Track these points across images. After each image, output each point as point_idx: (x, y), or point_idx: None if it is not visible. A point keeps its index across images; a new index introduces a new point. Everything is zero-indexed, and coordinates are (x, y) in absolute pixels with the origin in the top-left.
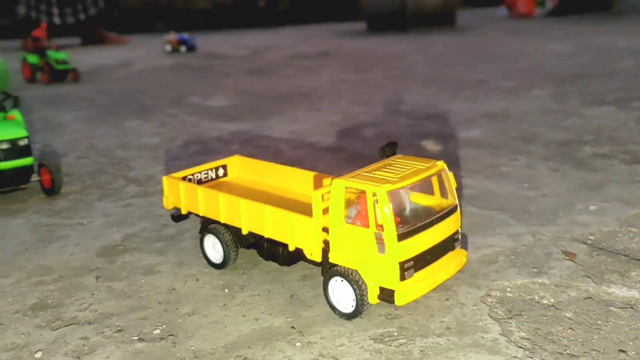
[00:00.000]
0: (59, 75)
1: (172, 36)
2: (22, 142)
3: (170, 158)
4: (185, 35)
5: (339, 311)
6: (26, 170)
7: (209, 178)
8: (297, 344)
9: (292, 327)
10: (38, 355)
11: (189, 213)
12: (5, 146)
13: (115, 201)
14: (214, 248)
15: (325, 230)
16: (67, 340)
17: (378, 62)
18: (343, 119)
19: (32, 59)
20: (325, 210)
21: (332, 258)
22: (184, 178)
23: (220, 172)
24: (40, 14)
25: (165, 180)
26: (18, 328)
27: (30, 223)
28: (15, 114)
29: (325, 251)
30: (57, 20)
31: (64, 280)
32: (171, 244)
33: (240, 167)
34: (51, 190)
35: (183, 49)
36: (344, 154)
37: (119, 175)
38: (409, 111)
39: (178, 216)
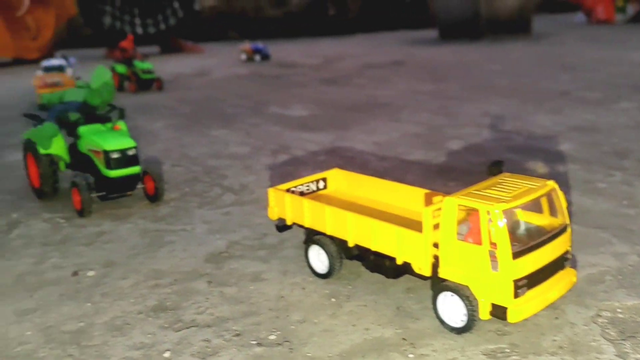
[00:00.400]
0: (145, 84)
1: (247, 45)
2: (131, 152)
3: (261, 168)
4: (260, 45)
5: (448, 325)
6: (134, 178)
7: (310, 190)
8: (410, 355)
9: (403, 338)
10: (167, 355)
11: (293, 224)
12: (116, 155)
13: (214, 209)
14: (318, 258)
15: (435, 245)
16: (191, 341)
17: (453, 71)
18: (426, 130)
19: (120, 68)
20: (435, 227)
21: (442, 273)
22: (287, 190)
23: (321, 184)
24: (124, 24)
25: (271, 192)
26: (143, 328)
27: (138, 228)
28: (121, 124)
29: (435, 266)
30: (139, 30)
31: (178, 284)
32: (273, 252)
33: (340, 180)
34: (154, 197)
35: (257, 57)
36: (432, 166)
37: (214, 183)
38: (492, 123)
39: (282, 226)
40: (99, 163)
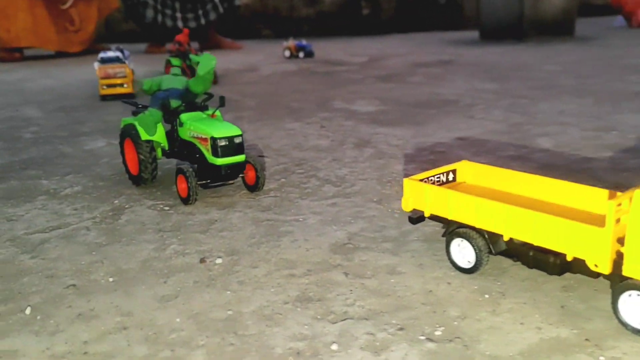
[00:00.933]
0: None
1: (291, 42)
2: (237, 140)
3: (351, 160)
4: (304, 42)
5: (632, 327)
6: (239, 167)
7: (441, 182)
8: (601, 358)
9: (586, 339)
10: (334, 347)
11: (427, 216)
12: (223, 143)
13: (319, 200)
14: (462, 252)
15: (619, 241)
16: (354, 334)
17: (508, 71)
18: (507, 127)
19: (175, 61)
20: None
21: (628, 271)
22: (421, 180)
23: (450, 176)
24: (165, 17)
25: (407, 182)
26: (296, 319)
27: (247, 217)
28: (217, 113)
29: (617, 263)
30: (180, 24)
31: (313, 274)
32: (399, 245)
33: (470, 172)
34: (254, 186)
35: (301, 54)
36: (531, 162)
37: (308, 175)
38: (574, 122)
39: (417, 218)
40: (205, 150)
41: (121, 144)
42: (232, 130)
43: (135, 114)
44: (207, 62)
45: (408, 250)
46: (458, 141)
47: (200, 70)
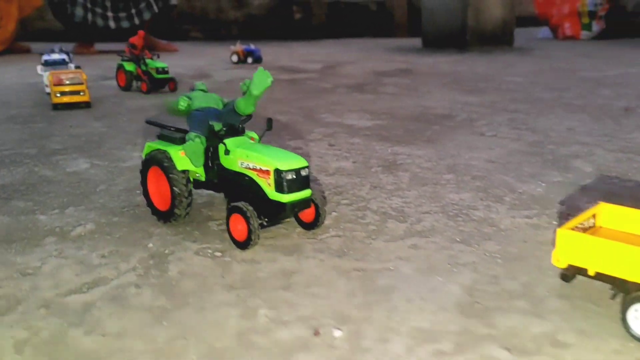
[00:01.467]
0: (159, 84)
1: (239, 47)
2: (304, 172)
3: (394, 188)
4: (252, 46)
5: None
6: (304, 204)
7: (583, 228)
8: None
9: None
10: None
11: (592, 274)
12: (290, 177)
13: (393, 241)
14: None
15: None
16: None
17: (476, 83)
18: (529, 147)
19: (129, 66)
20: None
21: None
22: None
23: (590, 222)
24: (96, 17)
25: (563, 233)
26: None
27: (326, 265)
28: (254, 135)
29: None
30: (112, 24)
31: (467, 349)
32: (535, 303)
33: (607, 216)
34: (312, 224)
35: (250, 60)
36: (593, 192)
37: (359, 207)
38: (592, 141)
39: (571, 275)
40: (265, 185)
41: (144, 172)
42: (297, 161)
43: (163, 137)
44: (262, 79)
45: (552, 310)
46: (489, 164)
47: (255, 89)
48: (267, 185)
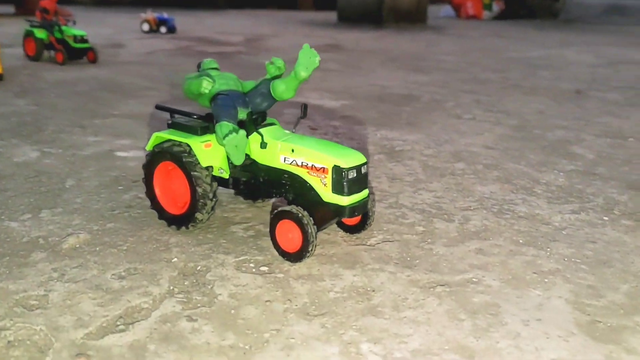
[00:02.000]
0: (76, 54)
1: (150, 15)
2: (364, 169)
3: (413, 179)
4: (165, 15)
5: None
6: (363, 206)
7: None
8: None
9: None
10: None
11: None
12: (352, 175)
13: (454, 245)
14: None
15: None
16: None
17: (415, 61)
18: (516, 132)
19: (40, 33)
20: None
21: None
22: None
23: None
24: None
25: None
26: None
27: (402, 280)
28: (275, 122)
29: None
30: None
31: None
32: None
33: None
34: (359, 227)
35: (163, 29)
36: (614, 181)
37: (391, 204)
38: (572, 125)
39: None
40: (318, 184)
41: (149, 168)
42: (357, 157)
43: (176, 126)
44: (309, 58)
45: None
46: (490, 150)
47: (303, 71)
48: (322, 185)
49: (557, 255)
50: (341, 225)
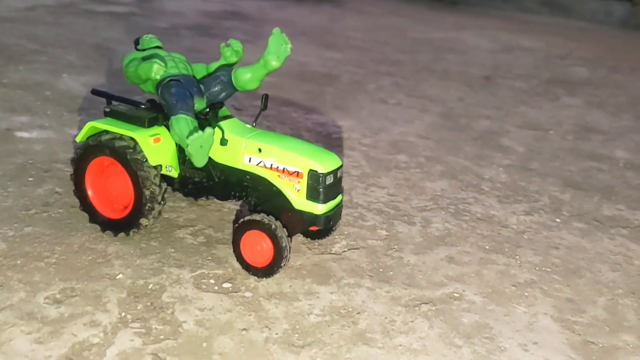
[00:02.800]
0: None
1: None
2: (339, 173)
3: (359, 173)
4: None
5: None
6: (337, 214)
7: None
8: None
9: None
10: None
11: None
12: (330, 180)
13: (422, 253)
14: None
15: None
16: None
17: (324, 36)
18: (443, 120)
19: None
20: None
21: None
22: None
23: None
24: None
25: None
26: None
27: (381, 297)
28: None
29: None
30: None
31: None
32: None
33: None
34: (323, 233)
35: None
36: (553, 178)
37: (344, 204)
38: (492, 115)
39: None
40: (290, 190)
41: (81, 163)
42: (333, 159)
43: (115, 115)
44: (280, 46)
45: None
46: (426, 140)
47: (275, 60)
48: (295, 191)
49: (527, 264)
50: (305, 232)
